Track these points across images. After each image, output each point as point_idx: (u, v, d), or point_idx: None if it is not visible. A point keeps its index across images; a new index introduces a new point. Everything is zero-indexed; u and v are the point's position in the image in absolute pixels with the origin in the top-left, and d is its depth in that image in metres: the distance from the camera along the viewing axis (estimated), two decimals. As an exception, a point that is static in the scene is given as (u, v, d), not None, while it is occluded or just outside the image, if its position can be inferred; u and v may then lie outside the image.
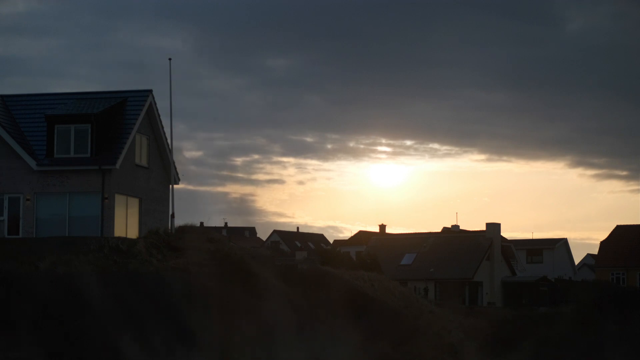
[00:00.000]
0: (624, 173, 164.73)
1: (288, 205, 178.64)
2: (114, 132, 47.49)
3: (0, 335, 35.26)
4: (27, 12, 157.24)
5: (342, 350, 42.15)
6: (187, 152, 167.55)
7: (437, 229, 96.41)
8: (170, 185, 50.37)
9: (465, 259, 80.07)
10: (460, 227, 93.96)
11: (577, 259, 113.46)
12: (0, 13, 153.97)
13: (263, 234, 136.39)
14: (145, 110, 48.89)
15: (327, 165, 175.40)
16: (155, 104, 49.68)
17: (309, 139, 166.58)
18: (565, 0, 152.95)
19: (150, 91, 49.40)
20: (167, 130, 49.82)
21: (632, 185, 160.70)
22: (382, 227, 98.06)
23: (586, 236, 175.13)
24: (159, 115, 50.06)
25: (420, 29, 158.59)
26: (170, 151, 50.14)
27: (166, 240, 45.56)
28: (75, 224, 46.15)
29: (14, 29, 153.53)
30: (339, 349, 42.07)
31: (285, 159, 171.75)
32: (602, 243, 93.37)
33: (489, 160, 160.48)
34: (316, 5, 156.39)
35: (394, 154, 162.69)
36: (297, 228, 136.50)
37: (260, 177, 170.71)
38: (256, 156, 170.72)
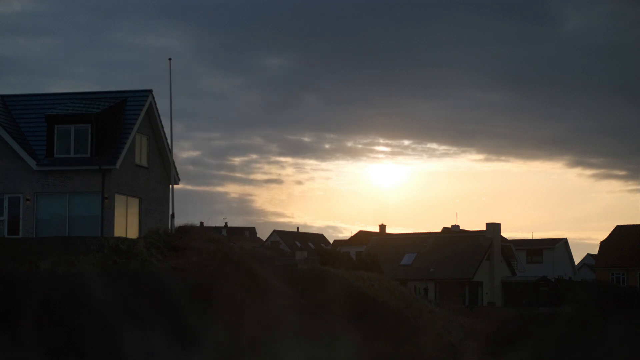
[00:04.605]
0: (623, 173, 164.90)
1: (287, 205, 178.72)
2: (114, 132, 47.48)
3: (1, 334, 35.26)
4: (24, 11, 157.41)
5: (342, 350, 42.13)
6: (185, 152, 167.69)
7: (437, 229, 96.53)
8: (170, 185, 50.39)
9: (465, 259, 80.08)
10: (460, 227, 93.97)
11: (577, 259, 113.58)
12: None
13: (263, 234, 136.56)
14: (145, 110, 48.89)
15: (325, 165, 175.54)
16: (155, 103, 49.71)
17: (306, 139, 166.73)
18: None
19: (150, 91, 49.42)
20: (166, 130, 49.88)
21: (631, 185, 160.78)
22: (382, 227, 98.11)
23: (586, 236, 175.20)
24: (159, 115, 50.07)
25: (418, 28, 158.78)
26: (170, 151, 50.14)
27: (166, 240, 45.56)
28: (75, 224, 46.14)
29: (10, 28, 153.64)
30: (339, 349, 42.05)
31: (283, 159, 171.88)
32: (602, 243, 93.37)
33: (487, 160, 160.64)
34: (313, 5, 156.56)
35: (392, 153, 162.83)
36: (297, 228, 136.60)
37: (259, 177, 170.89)
38: (254, 156, 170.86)
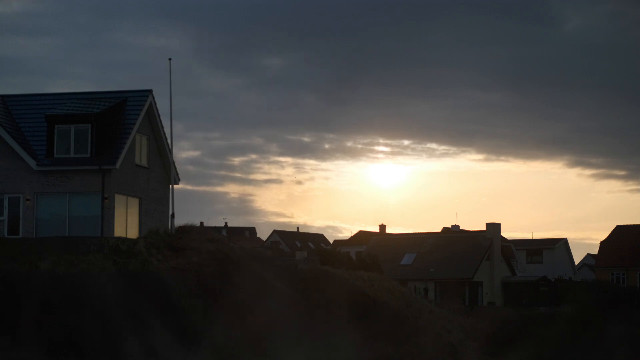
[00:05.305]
0: (622, 173, 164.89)
1: (286, 205, 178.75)
2: (114, 132, 47.47)
3: (1, 335, 35.26)
4: (23, 11, 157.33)
5: (343, 350, 42.14)
6: (185, 152, 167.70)
7: (437, 229, 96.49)
8: (170, 185, 50.38)
9: (465, 259, 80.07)
10: (460, 227, 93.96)
11: (577, 259, 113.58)
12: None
13: (263, 234, 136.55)
14: (145, 110, 48.88)
15: (325, 165, 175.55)
16: (155, 104, 49.70)
17: (306, 139, 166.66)
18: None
19: (150, 91, 49.41)
20: (166, 130, 49.88)
21: (631, 185, 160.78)
22: (382, 227, 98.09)
23: (586, 236, 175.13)
24: (159, 115, 50.06)
25: (418, 28, 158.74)
26: (170, 151, 50.14)
27: (166, 240, 45.54)
28: (75, 224, 46.12)
29: (10, 28, 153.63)
30: (339, 349, 42.06)
31: (282, 159, 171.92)
32: (602, 243, 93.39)
33: (486, 160, 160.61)
34: (313, 5, 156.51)
35: (392, 153, 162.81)
36: (297, 228, 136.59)
37: (258, 177, 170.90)
38: (254, 156, 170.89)
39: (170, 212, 49.37)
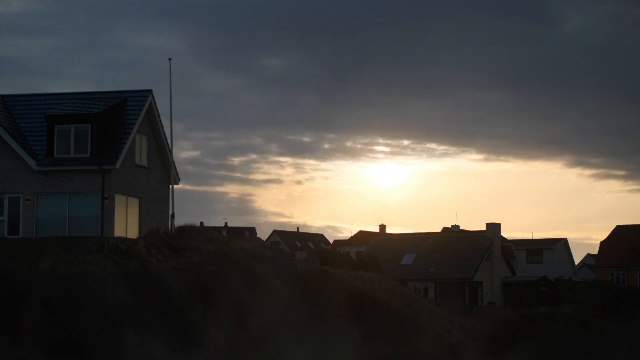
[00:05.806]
0: (622, 173, 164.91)
1: (286, 205, 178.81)
2: (114, 132, 47.47)
3: (1, 335, 35.26)
4: (23, 11, 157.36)
5: (343, 350, 42.13)
6: (185, 152, 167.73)
7: (437, 229, 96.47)
8: (170, 185, 50.39)
9: (465, 259, 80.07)
10: (460, 227, 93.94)
11: (577, 259, 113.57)
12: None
13: (263, 234, 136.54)
14: (145, 110, 48.88)
15: (324, 165, 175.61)
16: (155, 103, 49.70)
17: (306, 139, 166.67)
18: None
19: (150, 91, 49.41)
20: (166, 130, 49.88)
21: (631, 185, 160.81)
22: (382, 227, 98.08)
23: (586, 236, 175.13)
24: (159, 115, 50.06)
25: (418, 28, 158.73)
26: (170, 151, 50.14)
27: (166, 240, 45.55)
28: (75, 224, 46.13)
29: (10, 28, 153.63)
30: (339, 349, 42.05)
31: (282, 159, 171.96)
32: (602, 243, 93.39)
33: (486, 160, 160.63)
34: (313, 5, 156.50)
35: (392, 153, 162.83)
36: (297, 228, 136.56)
37: (258, 176, 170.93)
38: (253, 156, 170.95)
39: (170, 212, 49.39)
